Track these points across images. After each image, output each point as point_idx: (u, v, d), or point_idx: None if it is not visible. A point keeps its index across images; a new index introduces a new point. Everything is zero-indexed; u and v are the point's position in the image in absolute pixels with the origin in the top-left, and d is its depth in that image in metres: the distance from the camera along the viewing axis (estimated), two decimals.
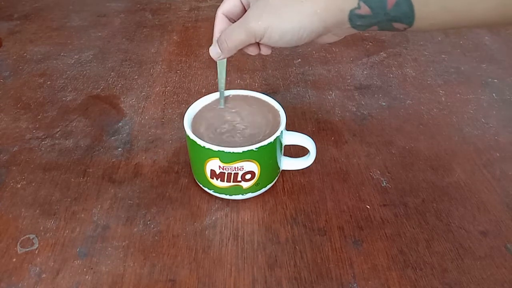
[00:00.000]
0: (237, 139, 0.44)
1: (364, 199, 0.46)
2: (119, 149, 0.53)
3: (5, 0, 0.89)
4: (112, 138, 0.55)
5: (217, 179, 0.44)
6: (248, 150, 0.41)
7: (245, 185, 0.44)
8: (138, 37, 0.77)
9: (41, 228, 0.43)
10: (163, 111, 0.59)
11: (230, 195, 0.45)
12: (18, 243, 0.42)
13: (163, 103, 0.61)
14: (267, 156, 0.43)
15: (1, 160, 0.51)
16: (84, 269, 0.40)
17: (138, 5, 0.88)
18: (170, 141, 0.54)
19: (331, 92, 0.63)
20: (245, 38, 0.40)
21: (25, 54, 0.71)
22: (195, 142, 0.42)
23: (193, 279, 0.39)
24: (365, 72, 0.67)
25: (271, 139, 0.42)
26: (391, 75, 0.67)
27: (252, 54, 0.45)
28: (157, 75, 0.67)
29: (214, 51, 0.43)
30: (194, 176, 0.48)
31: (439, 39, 0.77)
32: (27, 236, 0.43)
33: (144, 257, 0.41)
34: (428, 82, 0.65)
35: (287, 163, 0.48)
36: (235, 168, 0.42)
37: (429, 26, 0.36)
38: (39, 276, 0.39)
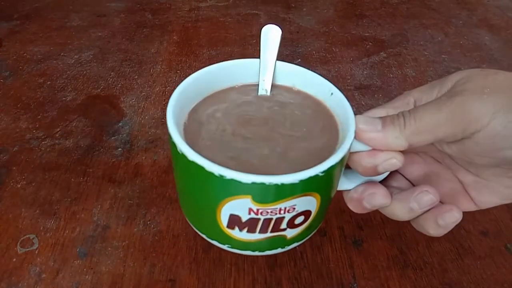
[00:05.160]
0: (270, 157, 0.26)
1: None
2: (119, 149, 0.53)
3: (5, 0, 0.89)
4: (112, 138, 0.55)
5: (241, 230, 0.26)
6: (311, 177, 0.24)
7: (290, 233, 0.28)
8: (138, 37, 0.77)
9: (41, 228, 0.43)
10: (163, 111, 0.59)
11: (261, 251, 0.29)
12: (18, 243, 0.42)
13: (163, 103, 0.61)
14: (331, 182, 0.27)
15: (1, 160, 0.51)
16: (84, 269, 0.40)
17: (138, 5, 0.88)
18: None
19: None
20: (443, 117, 0.27)
21: (25, 54, 0.71)
22: (201, 168, 0.23)
23: (193, 279, 0.39)
24: (365, 72, 0.67)
25: (342, 153, 0.25)
26: (391, 75, 0.67)
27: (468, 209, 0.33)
28: (157, 75, 0.67)
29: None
30: (188, 219, 0.32)
31: (439, 39, 0.77)
32: (27, 236, 0.43)
33: (144, 257, 0.41)
34: (428, 82, 0.65)
35: None
36: (279, 210, 0.25)
37: None
38: (39, 276, 0.39)
